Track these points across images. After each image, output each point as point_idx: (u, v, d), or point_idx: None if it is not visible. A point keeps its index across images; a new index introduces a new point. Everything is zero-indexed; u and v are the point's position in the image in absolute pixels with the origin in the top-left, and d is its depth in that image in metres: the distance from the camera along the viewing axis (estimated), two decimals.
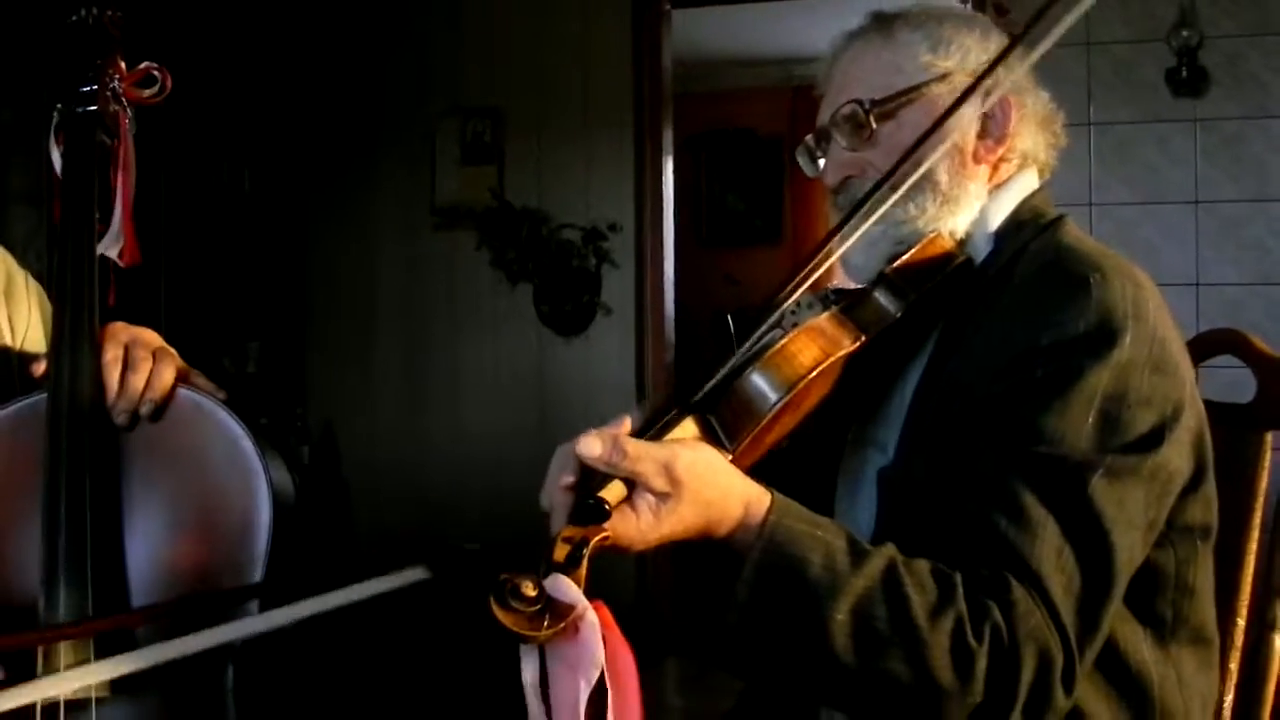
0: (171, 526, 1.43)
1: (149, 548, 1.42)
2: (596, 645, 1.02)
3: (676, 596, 4.79)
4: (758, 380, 1.23)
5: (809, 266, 1.32)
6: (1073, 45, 4.15)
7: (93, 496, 1.38)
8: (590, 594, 1.04)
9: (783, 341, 1.25)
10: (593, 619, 1.02)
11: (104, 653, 1.33)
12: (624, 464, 1.11)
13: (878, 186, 1.35)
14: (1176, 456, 1.28)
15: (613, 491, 1.11)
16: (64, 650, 1.32)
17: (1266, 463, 1.56)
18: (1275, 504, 1.57)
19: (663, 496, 1.12)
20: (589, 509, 1.09)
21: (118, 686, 1.35)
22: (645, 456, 1.12)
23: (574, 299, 4.93)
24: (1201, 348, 1.64)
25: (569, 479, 1.15)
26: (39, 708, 1.31)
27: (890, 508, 1.37)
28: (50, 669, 1.32)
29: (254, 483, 1.42)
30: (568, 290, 4.94)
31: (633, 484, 1.12)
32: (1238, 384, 1.61)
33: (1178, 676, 1.34)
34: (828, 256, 1.37)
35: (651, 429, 1.19)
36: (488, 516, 4.74)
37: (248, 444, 1.44)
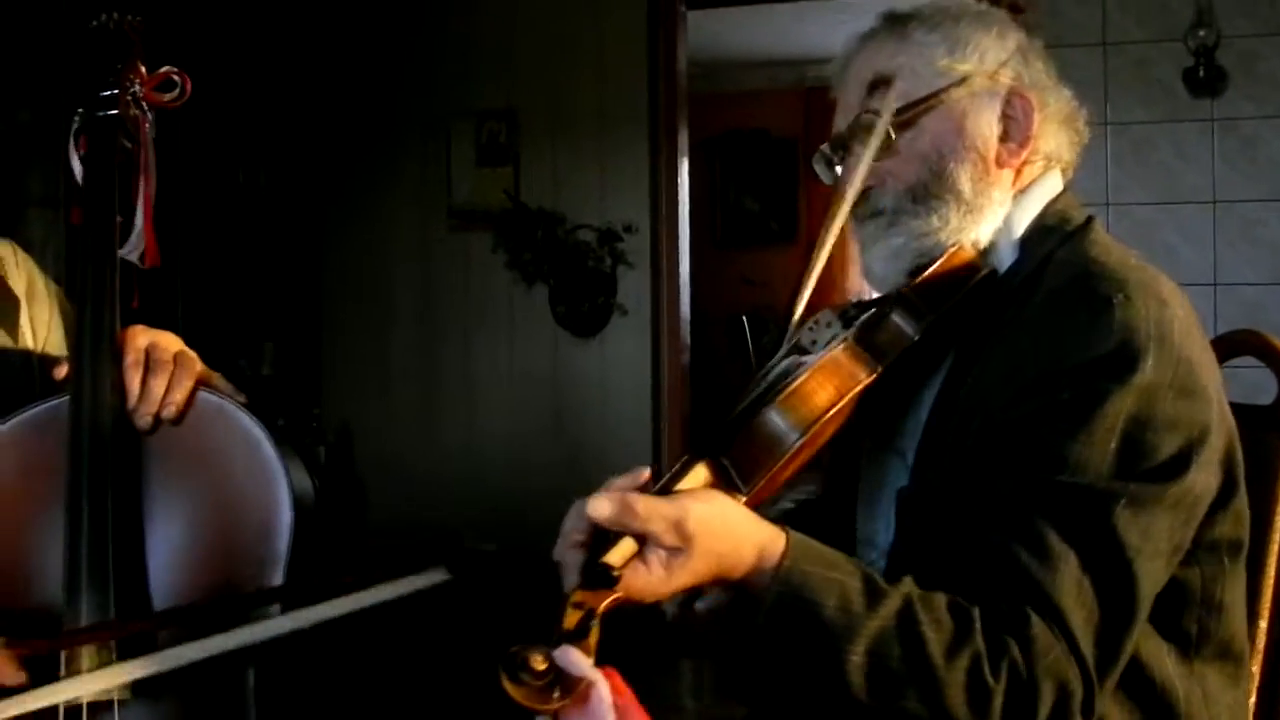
0: (193, 529, 1.43)
1: (170, 550, 1.42)
2: (606, 715, 1.02)
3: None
4: (774, 421, 1.22)
5: (806, 278, 1.31)
6: (1089, 45, 4.14)
7: (114, 500, 1.39)
8: (601, 659, 1.04)
9: (798, 381, 1.23)
10: (603, 689, 1.02)
11: (126, 655, 1.33)
12: (634, 524, 1.10)
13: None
14: (1203, 479, 1.26)
15: (623, 550, 1.11)
16: (86, 653, 1.33)
17: None
18: None
19: (674, 551, 1.11)
20: (597, 574, 1.09)
21: (139, 689, 1.35)
22: (655, 515, 1.11)
23: (590, 300, 4.93)
24: (1221, 349, 1.63)
25: (579, 537, 1.15)
26: (62, 710, 1.32)
27: (908, 525, 1.36)
28: (73, 672, 1.32)
29: (275, 486, 1.42)
30: (583, 291, 4.93)
31: (644, 540, 1.11)
32: (1258, 386, 1.60)
33: (1203, 693, 1.32)
34: (824, 265, 1.35)
35: (662, 479, 1.18)
36: (503, 517, 4.75)
37: (269, 447, 1.44)
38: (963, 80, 1.40)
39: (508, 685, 1.00)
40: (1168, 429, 1.23)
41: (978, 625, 1.15)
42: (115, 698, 1.34)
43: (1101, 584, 1.19)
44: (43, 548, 1.40)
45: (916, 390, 1.40)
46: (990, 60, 1.41)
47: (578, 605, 1.07)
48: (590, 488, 1.17)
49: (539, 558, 1.27)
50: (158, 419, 1.43)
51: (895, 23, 1.45)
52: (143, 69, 1.62)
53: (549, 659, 1.01)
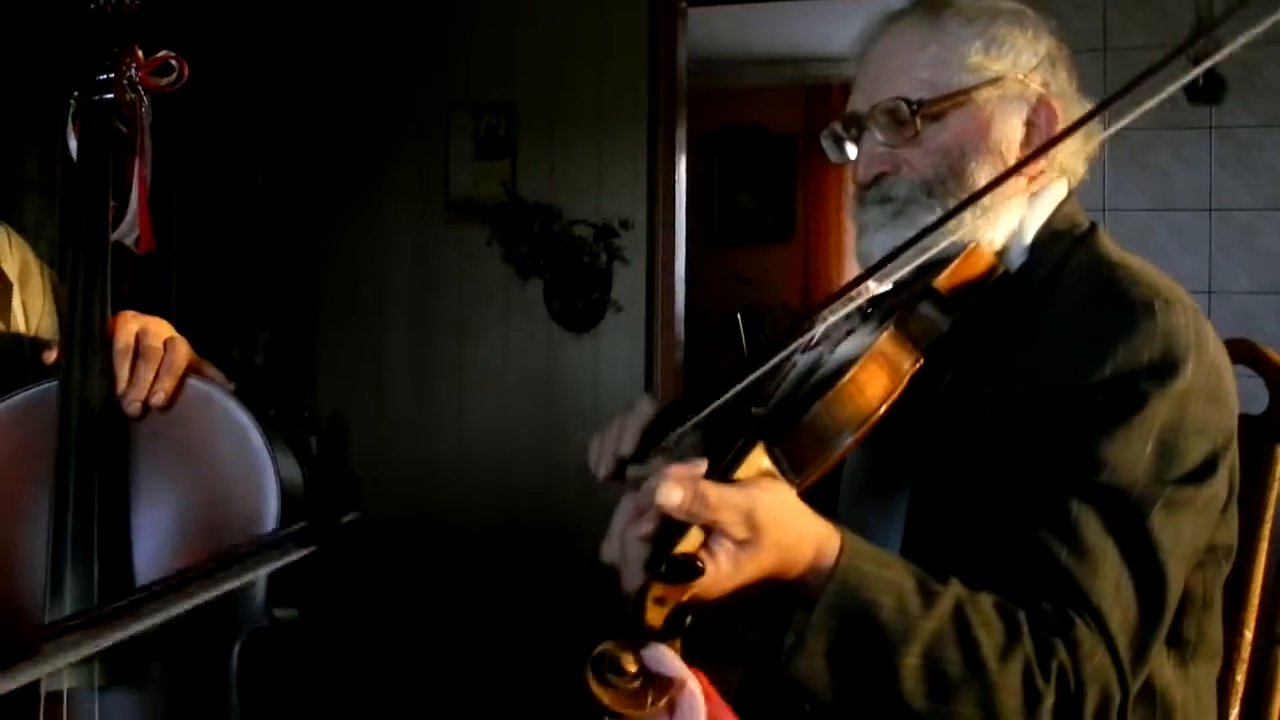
0: (179, 517, 1.43)
1: (156, 538, 1.42)
2: (699, 717, 0.97)
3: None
4: (831, 415, 1.18)
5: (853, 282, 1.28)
6: (1089, 51, 4.14)
7: (101, 485, 1.38)
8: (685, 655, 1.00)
9: (851, 373, 1.20)
10: (694, 688, 0.98)
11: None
12: (705, 513, 1.05)
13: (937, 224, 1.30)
14: (1223, 485, 1.27)
15: (691, 540, 1.05)
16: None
17: (1278, 474, 1.55)
18: None
19: (743, 544, 1.07)
20: (680, 566, 1.03)
21: (116, 675, 1.35)
22: (726, 505, 1.06)
23: (584, 295, 4.92)
24: None
25: (648, 529, 1.10)
26: (42, 697, 1.31)
27: (920, 521, 1.34)
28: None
29: (262, 475, 1.42)
30: (578, 287, 4.93)
31: (709, 530, 1.06)
32: (1252, 395, 1.59)
33: (1195, 695, 1.33)
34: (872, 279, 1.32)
35: (721, 463, 1.13)
36: (495, 510, 4.75)
37: (257, 436, 1.44)
38: (995, 80, 1.38)
39: (596, 688, 0.95)
40: (1198, 434, 1.24)
41: (1025, 627, 1.14)
42: (95, 683, 1.33)
43: (1137, 586, 1.19)
44: (29, 531, 1.40)
45: (924, 388, 1.38)
46: (1023, 63, 1.40)
47: (660, 600, 1.01)
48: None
49: (528, 548, 1.26)
50: (146, 405, 1.43)
51: (930, 8, 1.42)
52: (140, 53, 1.62)
53: (639, 660, 0.96)
